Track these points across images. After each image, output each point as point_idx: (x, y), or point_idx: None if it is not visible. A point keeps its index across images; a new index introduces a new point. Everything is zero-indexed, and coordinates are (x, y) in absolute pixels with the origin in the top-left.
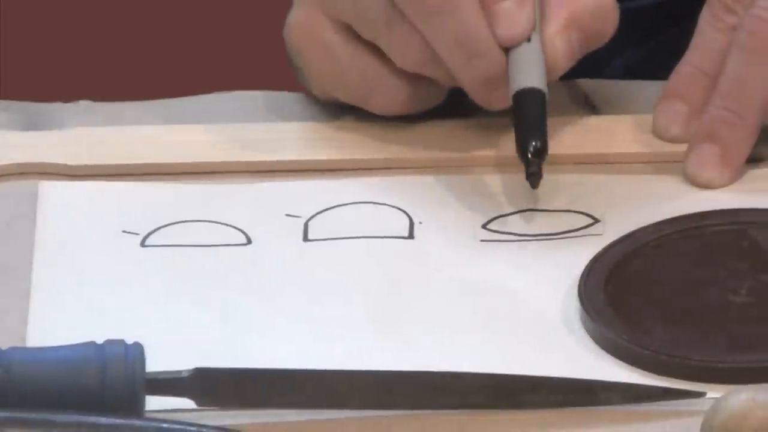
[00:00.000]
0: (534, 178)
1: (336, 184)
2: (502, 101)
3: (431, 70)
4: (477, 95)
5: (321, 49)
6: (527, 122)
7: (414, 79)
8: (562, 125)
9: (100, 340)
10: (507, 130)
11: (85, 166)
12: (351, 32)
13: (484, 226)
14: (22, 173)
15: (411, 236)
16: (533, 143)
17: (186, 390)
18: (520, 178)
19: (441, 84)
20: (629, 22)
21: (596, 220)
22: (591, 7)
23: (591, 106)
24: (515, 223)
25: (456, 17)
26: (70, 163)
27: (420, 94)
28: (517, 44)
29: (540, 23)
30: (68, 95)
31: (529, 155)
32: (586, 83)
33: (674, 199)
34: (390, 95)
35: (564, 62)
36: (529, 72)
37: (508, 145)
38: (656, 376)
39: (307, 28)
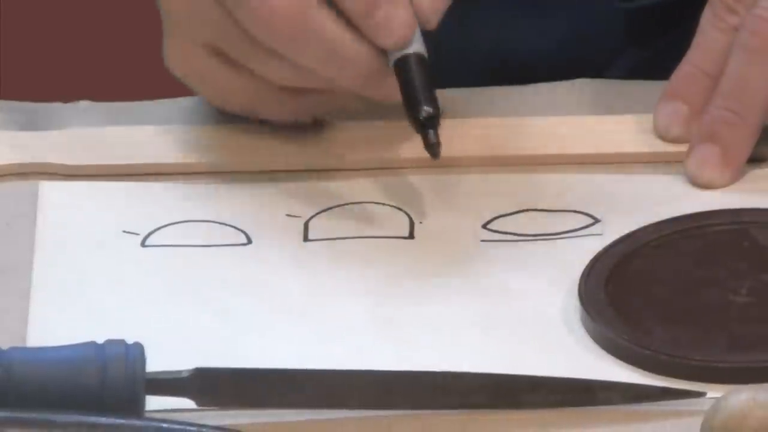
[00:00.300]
0: (433, 148)
1: (336, 185)
2: (394, 91)
3: (309, 82)
4: (366, 94)
5: (200, 76)
6: (412, 88)
7: (296, 89)
8: (563, 125)
9: (100, 340)
10: (507, 129)
11: (85, 166)
12: (224, 54)
13: (484, 226)
14: (22, 173)
15: (411, 236)
16: (424, 109)
17: (186, 390)
18: (520, 178)
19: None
20: (630, 23)
21: (596, 220)
22: None
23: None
24: (515, 223)
25: (315, 38)
26: (70, 163)
27: (309, 101)
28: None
29: None
30: (68, 95)
31: (423, 124)
32: (587, 83)
33: (675, 199)
34: (277, 108)
35: (434, 13)
36: None
37: (508, 145)
38: (656, 376)
39: (183, 59)
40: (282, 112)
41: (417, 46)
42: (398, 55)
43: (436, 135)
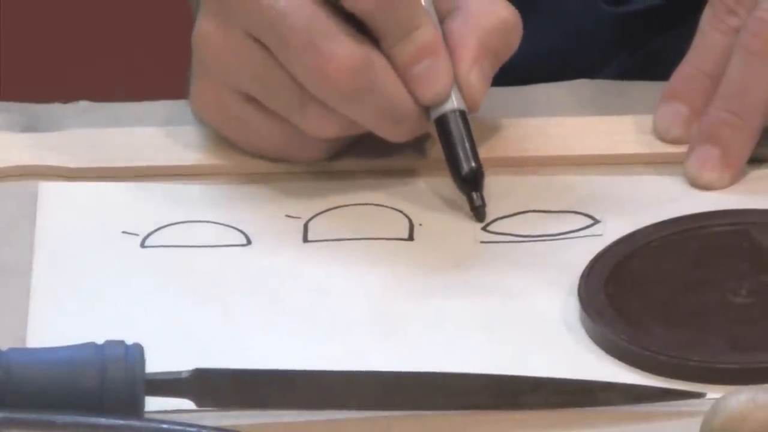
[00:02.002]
0: (478, 210)
1: (336, 186)
2: (422, 129)
3: (354, 131)
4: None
5: (230, 122)
6: (455, 146)
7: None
8: (562, 126)
9: (99, 341)
10: (507, 130)
11: (86, 168)
12: (260, 103)
13: (484, 228)
14: (22, 175)
15: (411, 238)
16: (468, 167)
17: (186, 391)
18: (520, 179)
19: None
20: (623, 27)
21: (596, 221)
22: (495, 27)
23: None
24: (515, 225)
25: (375, 94)
26: (70, 165)
27: (340, 144)
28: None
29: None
30: (68, 96)
31: (467, 183)
32: (586, 84)
33: (674, 200)
34: (308, 153)
35: (481, 94)
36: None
37: (508, 145)
38: (656, 377)
39: (214, 104)
40: (311, 156)
41: (458, 103)
42: (440, 111)
43: (481, 196)
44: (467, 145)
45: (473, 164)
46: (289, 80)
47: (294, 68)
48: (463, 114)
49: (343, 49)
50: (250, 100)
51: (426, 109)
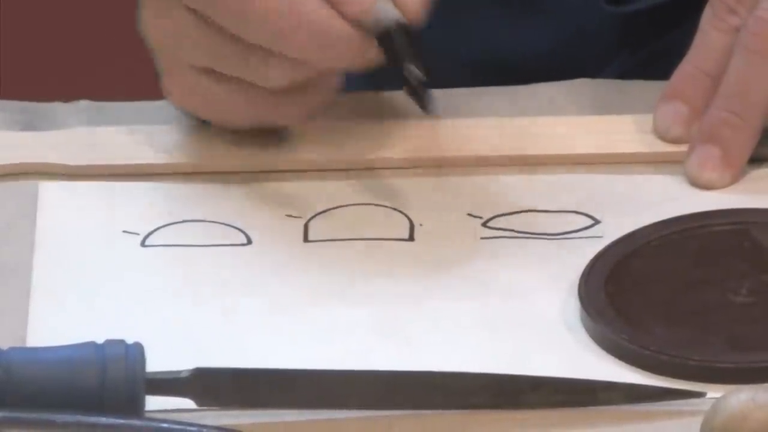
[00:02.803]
0: (427, 107)
1: (336, 186)
2: (378, 57)
3: (301, 75)
4: (355, 68)
5: (199, 99)
6: (397, 54)
7: (294, 88)
8: (562, 125)
9: (100, 340)
10: (508, 129)
11: (86, 167)
12: (218, 73)
13: (484, 224)
14: (22, 173)
15: (411, 238)
16: (411, 70)
17: (186, 390)
18: (520, 179)
19: (324, 76)
20: (624, 26)
21: (596, 221)
22: None
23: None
24: (515, 223)
25: (303, 24)
26: (70, 163)
27: (303, 100)
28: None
29: None
30: (68, 95)
31: (413, 85)
32: (586, 83)
33: (675, 200)
34: (275, 113)
35: (415, 3)
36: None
37: (508, 144)
38: (656, 376)
39: (181, 89)
40: (280, 116)
41: (394, 14)
42: (380, 28)
43: (430, 95)
44: (408, 52)
45: (418, 74)
46: (228, 38)
47: (224, 21)
48: (401, 26)
49: None
50: (207, 72)
51: (360, 27)
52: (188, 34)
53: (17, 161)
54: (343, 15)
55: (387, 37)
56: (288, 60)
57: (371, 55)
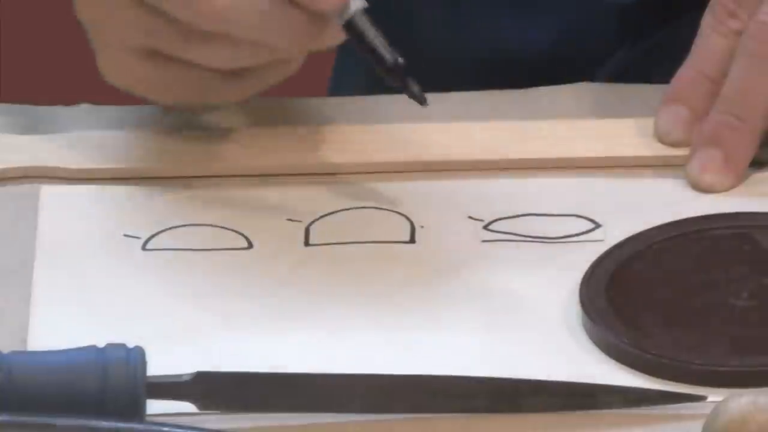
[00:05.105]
0: (419, 95)
1: (337, 189)
2: (335, 39)
3: (249, 58)
4: (310, 50)
5: (140, 80)
6: (373, 44)
7: (241, 69)
8: (564, 129)
9: (101, 344)
10: (509, 133)
11: (87, 170)
12: (158, 53)
13: (485, 228)
14: (23, 177)
15: (412, 241)
16: (392, 58)
17: (187, 394)
18: (521, 182)
19: (278, 60)
20: (622, 19)
21: (597, 225)
22: None
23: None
24: (517, 226)
25: (245, 11)
26: (71, 167)
27: (253, 78)
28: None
29: None
30: (69, 98)
31: (399, 75)
32: (588, 87)
33: (676, 203)
34: (223, 92)
35: None
36: None
37: (510, 148)
38: (657, 380)
39: (119, 68)
40: (228, 94)
41: (358, 2)
42: (345, 15)
43: (414, 81)
44: (378, 41)
45: (390, 58)
46: (169, 20)
47: (164, 6)
48: (366, 12)
49: None
50: (147, 54)
51: (307, 14)
52: (123, 13)
53: (19, 165)
54: (313, 8)
55: (352, 24)
56: (231, 44)
57: (329, 39)
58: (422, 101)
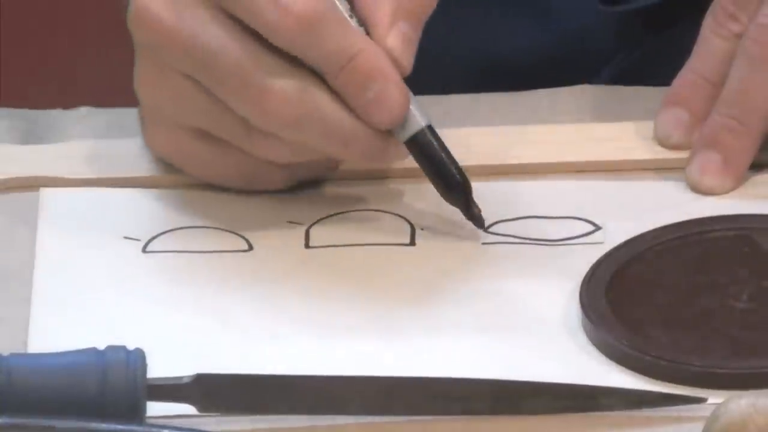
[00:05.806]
0: (478, 218)
1: (337, 192)
2: (399, 155)
3: (307, 156)
4: (372, 164)
5: (186, 157)
6: (436, 164)
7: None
8: (563, 132)
9: (101, 346)
10: (508, 136)
11: (88, 180)
12: (212, 136)
13: (486, 229)
14: (23, 186)
15: (413, 243)
16: (455, 182)
17: (187, 396)
18: (521, 185)
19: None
20: (620, 25)
21: (597, 227)
22: None
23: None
24: (517, 229)
25: (315, 121)
26: (72, 177)
27: (303, 169)
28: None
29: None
30: (68, 102)
31: (460, 198)
32: (587, 89)
33: (676, 206)
34: (270, 180)
35: (406, 55)
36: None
37: (509, 152)
38: (657, 382)
39: (167, 143)
40: (275, 182)
41: (423, 119)
42: (409, 131)
43: (475, 203)
44: (446, 159)
45: (458, 177)
46: (232, 111)
47: (232, 105)
48: (430, 129)
49: (277, 82)
50: (201, 135)
51: (383, 131)
52: (187, 100)
53: (18, 174)
54: (369, 122)
55: (416, 143)
56: (293, 145)
57: (392, 155)
58: (482, 225)
